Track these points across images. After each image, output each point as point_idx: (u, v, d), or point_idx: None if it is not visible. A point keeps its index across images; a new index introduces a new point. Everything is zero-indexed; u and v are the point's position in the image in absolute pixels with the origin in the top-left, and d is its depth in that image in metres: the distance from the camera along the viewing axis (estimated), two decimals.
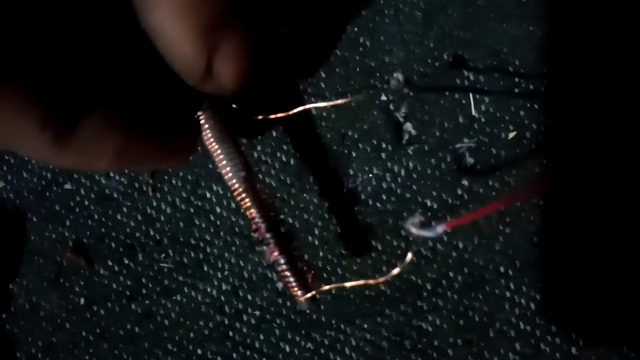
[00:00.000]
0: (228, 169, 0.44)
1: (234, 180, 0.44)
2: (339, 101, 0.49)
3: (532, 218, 0.51)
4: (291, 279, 0.44)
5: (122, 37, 0.39)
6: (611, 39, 0.52)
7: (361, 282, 0.47)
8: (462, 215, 0.49)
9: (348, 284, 0.47)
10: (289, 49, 0.52)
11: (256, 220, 0.44)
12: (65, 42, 0.34)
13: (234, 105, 0.46)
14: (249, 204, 0.44)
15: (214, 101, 0.44)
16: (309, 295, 0.44)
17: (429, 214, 0.50)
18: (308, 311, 0.47)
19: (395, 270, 0.46)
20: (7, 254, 0.51)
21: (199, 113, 0.43)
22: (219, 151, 0.44)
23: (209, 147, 0.44)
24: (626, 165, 0.51)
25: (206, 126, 0.43)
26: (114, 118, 0.35)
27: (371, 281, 0.47)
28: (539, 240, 0.51)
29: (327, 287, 0.46)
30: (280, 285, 0.50)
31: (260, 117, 0.49)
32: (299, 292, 0.44)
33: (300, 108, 0.48)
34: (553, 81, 0.53)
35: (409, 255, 0.46)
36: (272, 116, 0.49)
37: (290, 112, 0.48)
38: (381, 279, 0.47)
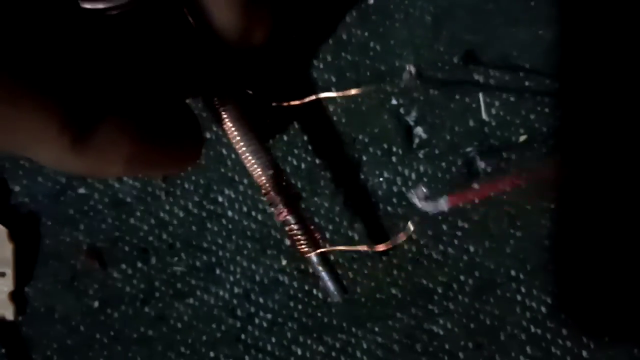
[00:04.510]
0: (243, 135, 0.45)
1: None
2: (352, 91, 0.49)
3: (543, 222, 0.51)
4: (300, 237, 0.45)
5: (136, 44, 0.40)
6: (620, 42, 0.52)
7: (365, 247, 0.47)
8: (465, 192, 0.49)
9: (351, 248, 0.48)
10: (300, 53, 0.53)
11: (265, 184, 0.45)
12: (84, 47, 0.35)
13: (249, 91, 0.47)
14: (254, 165, 0.44)
15: (234, 98, 0.45)
16: (318, 251, 0.45)
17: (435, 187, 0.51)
18: (336, 292, 0.46)
19: (399, 237, 0.46)
20: (23, 258, 0.51)
21: (221, 111, 0.44)
22: (239, 138, 0.45)
23: (230, 136, 0.45)
24: (637, 168, 0.51)
25: (227, 118, 0.45)
26: (128, 123, 0.36)
27: (379, 247, 0.47)
28: (550, 243, 0.51)
29: (335, 248, 0.46)
30: (288, 242, 0.50)
31: (274, 104, 0.50)
32: (308, 249, 0.45)
33: (313, 97, 0.49)
34: (563, 84, 0.53)
35: (410, 225, 0.46)
36: (286, 104, 0.50)
37: (305, 100, 0.48)
38: (382, 246, 0.47)
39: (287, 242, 0.50)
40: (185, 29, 0.43)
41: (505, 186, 0.50)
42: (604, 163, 0.51)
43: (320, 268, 0.45)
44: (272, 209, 0.45)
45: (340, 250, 0.48)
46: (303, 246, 0.45)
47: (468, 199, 0.47)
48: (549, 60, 0.52)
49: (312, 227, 0.46)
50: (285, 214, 0.45)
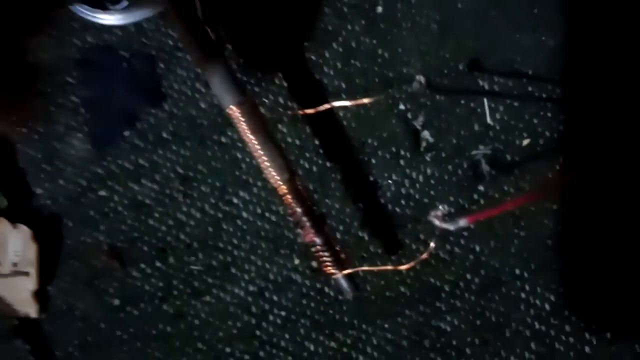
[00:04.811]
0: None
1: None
2: (364, 100, 0.51)
3: (546, 222, 0.53)
4: (326, 258, 0.46)
5: None
6: (621, 48, 0.54)
7: (389, 267, 0.49)
8: (482, 211, 0.51)
9: (375, 268, 0.50)
10: (311, 60, 0.55)
11: (281, 187, 0.46)
12: None
13: (265, 100, 0.49)
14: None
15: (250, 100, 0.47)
16: (344, 272, 0.46)
17: (452, 209, 0.52)
18: (347, 288, 0.49)
19: (423, 256, 0.48)
20: (45, 258, 0.53)
21: (239, 117, 0.46)
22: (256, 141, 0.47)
23: (247, 141, 0.47)
24: (638, 170, 0.53)
25: (245, 124, 0.46)
26: None
27: (403, 266, 0.49)
28: (553, 243, 0.53)
29: (359, 269, 0.48)
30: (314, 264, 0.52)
31: (290, 112, 0.53)
32: (334, 270, 0.46)
33: (327, 105, 0.50)
34: (565, 90, 0.54)
35: (432, 244, 0.48)
36: (301, 112, 0.52)
37: (320, 108, 0.50)
38: (405, 266, 0.49)
39: (299, 241, 0.52)
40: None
41: (520, 203, 0.52)
42: (606, 165, 0.53)
43: (343, 285, 0.47)
44: (299, 229, 0.47)
45: (365, 271, 0.50)
46: (329, 267, 0.46)
47: (485, 216, 0.49)
48: (551, 66, 0.54)
49: (338, 247, 0.47)
50: (312, 235, 0.46)
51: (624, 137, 0.53)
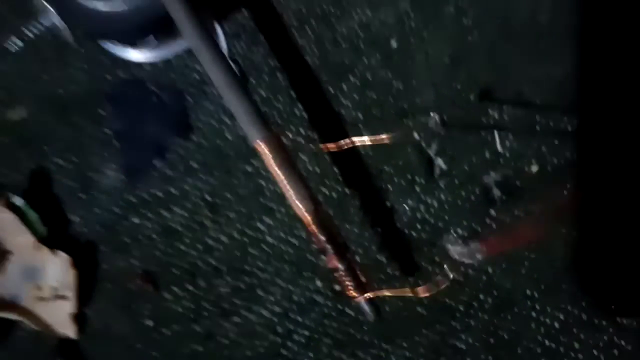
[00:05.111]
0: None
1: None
2: (383, 137, 0.54)
3: (555, 245, 0.55)
4: (349, 282, 0.49)
5: None
6: (628, 78, 0.57)
7: (408, 291, 0.51)
8: (496, 241, 0.54)
9: (395, 293, 0.52)
10: (330, 93, 0.58)
11: (317, 234, 0.49)
12: None
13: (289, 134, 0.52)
14: (297, 201, 0.48)
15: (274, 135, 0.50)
16: (366, 296, 0.49)
17: (465, 235, 0.55)
18: (369, 312, 0.50)
19: (442, 287, 0.51)
20: (82, 282, 0.56)
21: (267, 151, 0.49)
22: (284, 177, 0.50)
23: (274, 174, 0.50)
24: None
25: (272, 158, 0.49)
26: None
27: (421, 290, 0.51)
28: (562, 264, 0.55)
29: (379, 293, 0.50)
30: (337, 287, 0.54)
31: (312, 146, 0.56)
32: (357, 294, 0.49)
33: (349, 143, 0.53)
34: (572, 118, 0.57)
35: (447, 270, 0.52)
36: (322, 146, 0.55)
37: (342, 145, 0.53)
38: (423, 290, 0.52)
39: (322, 265, 0.55)
40: None
41: (533, 235, 0.55)
42: (612, 190, 0.55)
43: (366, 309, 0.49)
44: (323, 256, 0.49)
45: (385, 295, 0.52)
46: (352, 291, 0.49)
47: (499, 249, 0.52)
48: (559, 97, 0.57)
49: (359, 272, 0.49)
50: (335, 262, 0.49)
51: (630, 164, 0.55)
